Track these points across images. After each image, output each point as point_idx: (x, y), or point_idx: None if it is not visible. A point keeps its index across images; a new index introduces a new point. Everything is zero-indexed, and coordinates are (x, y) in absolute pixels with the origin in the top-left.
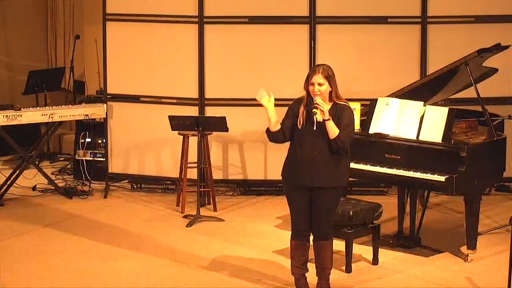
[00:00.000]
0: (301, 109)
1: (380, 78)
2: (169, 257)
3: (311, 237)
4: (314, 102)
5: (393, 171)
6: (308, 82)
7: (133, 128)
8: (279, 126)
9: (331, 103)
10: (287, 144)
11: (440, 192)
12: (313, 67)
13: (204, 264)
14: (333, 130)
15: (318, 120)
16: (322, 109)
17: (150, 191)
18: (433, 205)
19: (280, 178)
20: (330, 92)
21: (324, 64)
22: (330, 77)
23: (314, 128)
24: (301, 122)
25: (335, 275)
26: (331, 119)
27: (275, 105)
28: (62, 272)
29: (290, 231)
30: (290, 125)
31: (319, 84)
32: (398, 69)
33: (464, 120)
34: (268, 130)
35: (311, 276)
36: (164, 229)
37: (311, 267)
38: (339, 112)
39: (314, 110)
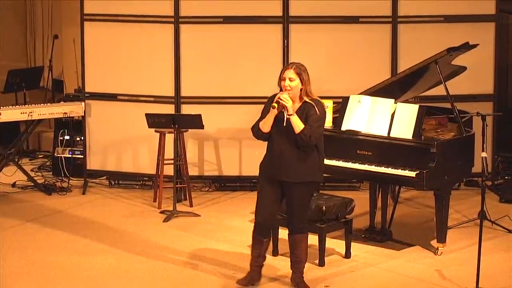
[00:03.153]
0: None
1: (352, 76)
2: (146, 252)
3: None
4: (278, 97)
5: (365, 167)
6: (279, 77)
7: (110, 125)
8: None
9: (301, 101)
10: (262, 141)
11: (411, 187)
12: (287, 64)
13: (181, 258)
14: (297, 125)
15: (288, 113)
16: (286, 105)
17: (128, 187)
18: (404, 200)
19: (254, 174)
20: (301, 90)
21: (299, 63)
22: (301, 74)
23: (284, 124)
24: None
25: (309, 268)
26: (294, 114)
27: (249, 103)
28: (41, 267)
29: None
30: None
31: (290, 79)
32: (369, 67)
33: (434, 117)
34: (258, 129)
35: (284, 268)
36: (141, 225)
37: (285, 260)
38: (308, 109)
39: (274, 104)
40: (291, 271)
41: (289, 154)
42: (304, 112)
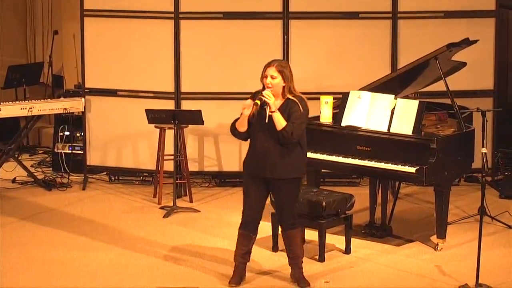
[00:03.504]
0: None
1: (352, 72)
2: (146, 248)
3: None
4: (261, 93)
5: (365, 163)
6: (262, 74)
7: (110, 121)
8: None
9: (284, 98)
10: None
11: (410, 183)
12: (269, 61)
13: (180, 254)
14: (279, 122)
15: (258, 109)
16: (268, 101)
17: (128, 183)
18: (404, 196)
19: None
20: (284, 88)
21: (282, 60)
22: (283, 72)
23: (266, 121)
24: (254, 115)
25: (309, 263)
26: (277, 111)
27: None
28: (41, 263)
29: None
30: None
31: (272, 77)
32: (369, 63)
33: (434, 112)
34: (235, 128)
35: (285, 263)
36: (141, 220)
37: (285, 256)
38: (291, 106)
39: (257, 101)
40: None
41: (273, 151)
42: (287, 109)
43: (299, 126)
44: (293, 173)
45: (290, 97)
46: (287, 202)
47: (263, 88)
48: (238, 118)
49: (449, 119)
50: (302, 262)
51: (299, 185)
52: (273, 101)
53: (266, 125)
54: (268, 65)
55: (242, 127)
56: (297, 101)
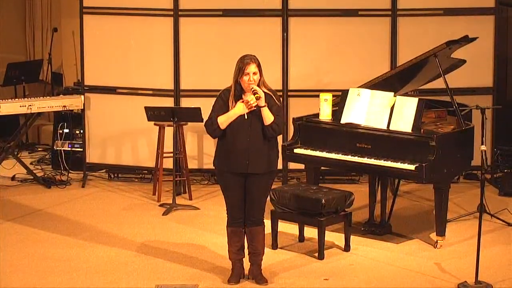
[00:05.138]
0: (231, 100)
1: (351, 69)
2: (145, 245)
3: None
4: (253, 89)
5: (364, 160)
6: (242, 72)
7: (110, 119)
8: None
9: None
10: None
11: (410, 180)
12: (244, 58)
13: (180, 251)
14: (268, 117)
15: (260, 105)
16: (261, 96)
17: (127, 180)
18: (403, 193)
19: None
20: (259, 82)
21: (252, 55)
22: (260, 66)
23: (246, 118)
24: None
25: (308, 261)
26: (267, 105)
27: None
28: (40, 259)
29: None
30: None
31: (254, 73)
32: (369, 60)
33: (433, 110)
34: (217, 127)
35: (285, 261)
36: (140, 218)
37: (285, 253)
38: (268, 100)
39: (256, 95)
40: (249, 263)
41: (256, 146)
42: (266, 101)
43: (281, 119)
44: (272, 166)
45: (265, 90)
46: (261, 196)
47: (237, 86)
48: (213, 115)
49: (448, 117)
50: (262, 259)
51: (274, 178)
52: (263, 96)
53: (246, 121)
54: (247, 62)
55: (226, 124)
56: (271, 94)
